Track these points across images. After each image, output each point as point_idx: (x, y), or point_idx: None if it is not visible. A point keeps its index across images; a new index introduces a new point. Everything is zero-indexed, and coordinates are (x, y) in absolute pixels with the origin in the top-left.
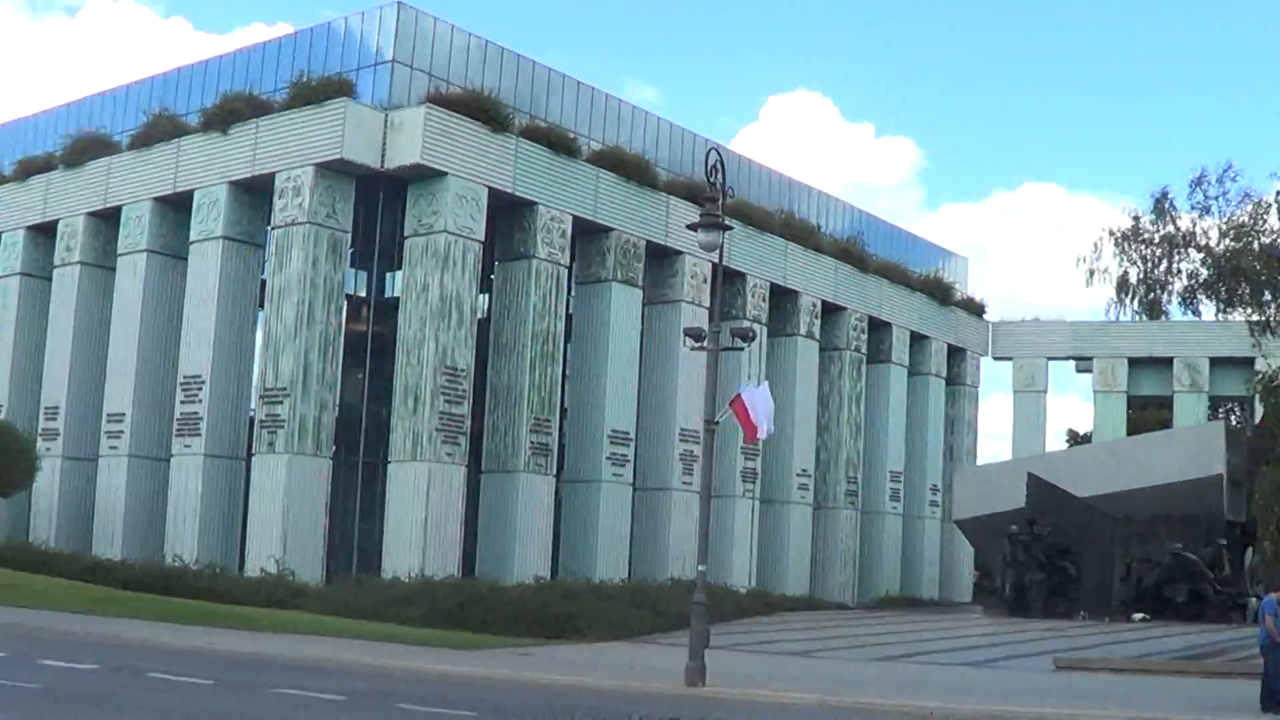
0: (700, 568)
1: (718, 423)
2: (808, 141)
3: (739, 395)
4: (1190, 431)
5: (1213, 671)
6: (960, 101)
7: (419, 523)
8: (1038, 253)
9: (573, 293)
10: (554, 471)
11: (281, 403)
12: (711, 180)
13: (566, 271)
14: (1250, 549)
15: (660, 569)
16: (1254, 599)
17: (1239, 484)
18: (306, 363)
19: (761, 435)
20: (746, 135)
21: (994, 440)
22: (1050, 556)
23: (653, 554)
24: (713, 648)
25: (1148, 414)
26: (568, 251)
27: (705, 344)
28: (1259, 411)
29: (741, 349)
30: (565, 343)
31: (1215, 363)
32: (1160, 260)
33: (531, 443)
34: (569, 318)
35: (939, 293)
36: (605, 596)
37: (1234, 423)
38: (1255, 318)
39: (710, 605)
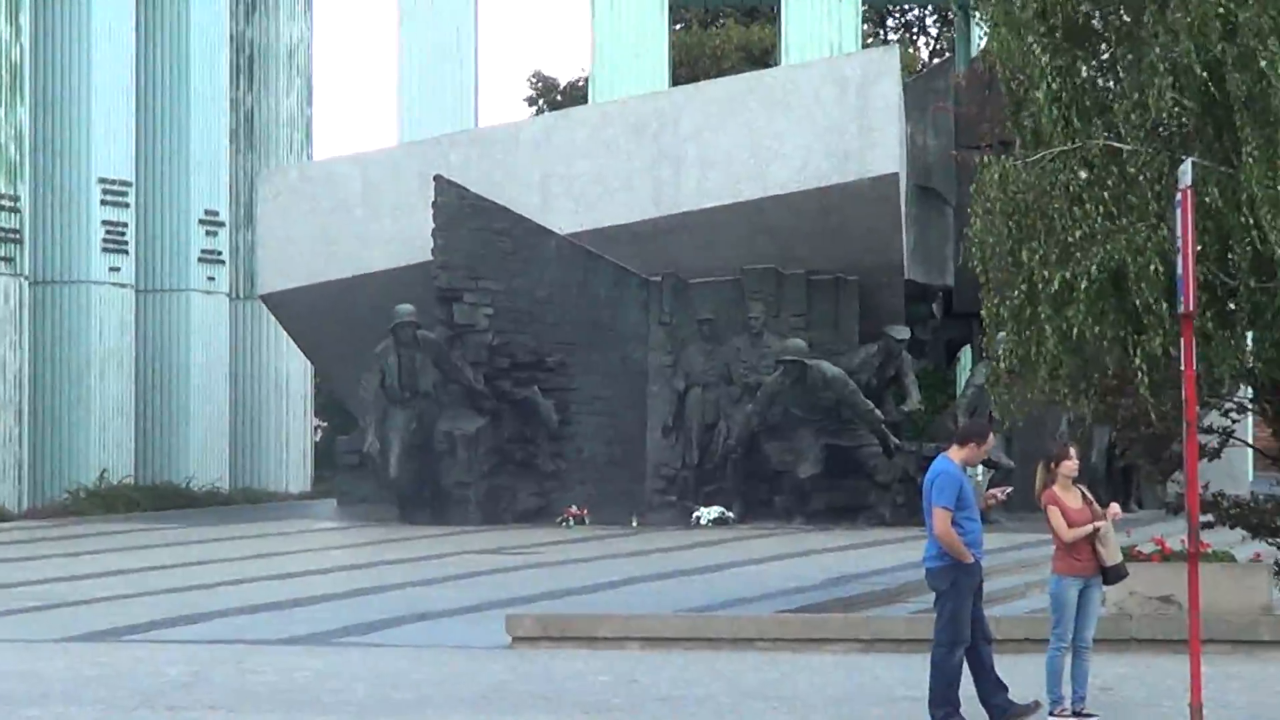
0: None
1: None
2: None
3: None
4: (818, 75)
5: (881, 636)
6: None
7: None
8: None
9: None
10: None
11: None
12: None
13: None
14: (970, 349)
15: None
16: (983, 467)
17: (940, 200)
18: None
19: None
20: None
21: (352, 111)
22: (497, 377)
23: None
24: None
25: (724, 34)
26: None
27: None
28: (976, 38)
29: None
30: None
31: None
32: None
33: None
34: None
35: None
36: None
37: (927, 56)
38: None
39: None
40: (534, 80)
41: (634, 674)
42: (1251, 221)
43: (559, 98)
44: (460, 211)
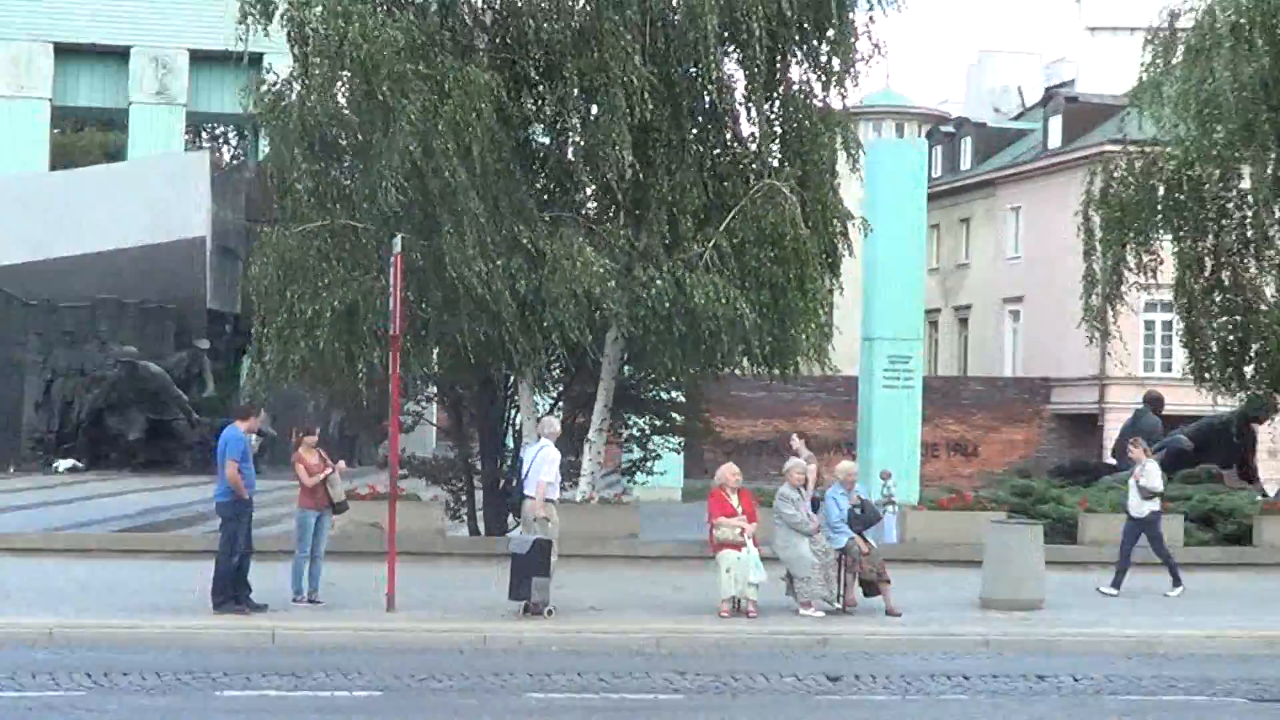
0: None
1: None
2: None
3: None
4: (153, 167)
5: (181, 549)
6: None
7: None
8: None
9: None
10: None
11: None
12: None
13: None
14: (249, 356)
15: None
16: (256, 436)
17: (234, 255)
18: None
19: None
20: None
21: None
22: None
23: None
24: None
25: (88, 137)
26: None
27: None
28: (262, 147)
29: None
30: None
31: (198, 59)
32: None
33: None
34: None
35: None
36: None
37: (229, 157)
38: None
39: None
40: None
41: (4, 576)
42: (453, 275)
43: None
44: None
